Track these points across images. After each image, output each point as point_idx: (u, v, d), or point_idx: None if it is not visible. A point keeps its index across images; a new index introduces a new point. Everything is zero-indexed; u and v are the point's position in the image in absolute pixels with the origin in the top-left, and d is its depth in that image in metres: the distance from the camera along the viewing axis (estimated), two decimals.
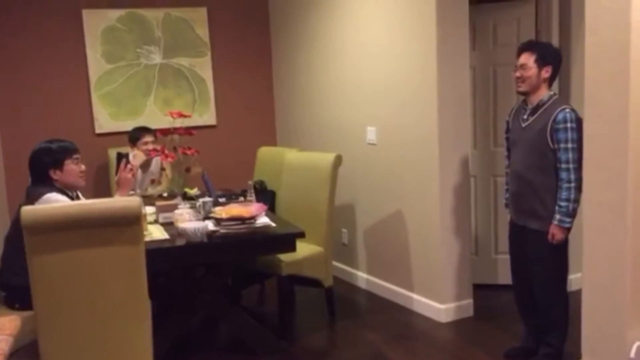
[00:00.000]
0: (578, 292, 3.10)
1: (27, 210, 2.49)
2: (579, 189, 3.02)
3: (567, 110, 3.03)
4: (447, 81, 3.85)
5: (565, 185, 3.03)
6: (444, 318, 4.01)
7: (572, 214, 3.05)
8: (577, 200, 3.04)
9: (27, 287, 2.54)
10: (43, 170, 3.14)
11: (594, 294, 2.86)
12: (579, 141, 2.99)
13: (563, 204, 3.04)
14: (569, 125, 3.00)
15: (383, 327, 3.98)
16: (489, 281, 4.48)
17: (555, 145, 3.04)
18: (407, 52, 4.04)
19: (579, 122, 3.00)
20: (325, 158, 4.04)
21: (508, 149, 3.40)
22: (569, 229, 3.09)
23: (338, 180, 4.01)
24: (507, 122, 3.39)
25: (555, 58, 3.19)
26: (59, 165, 3.15)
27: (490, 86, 4.39)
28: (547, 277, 3.20)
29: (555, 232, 3.07)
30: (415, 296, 4.22)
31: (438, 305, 4.04)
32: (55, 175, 3.15)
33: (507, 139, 3.39)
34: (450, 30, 3.82)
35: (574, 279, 4.19)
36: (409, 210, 4.20)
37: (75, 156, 3.21)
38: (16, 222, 2.79)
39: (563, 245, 3.14)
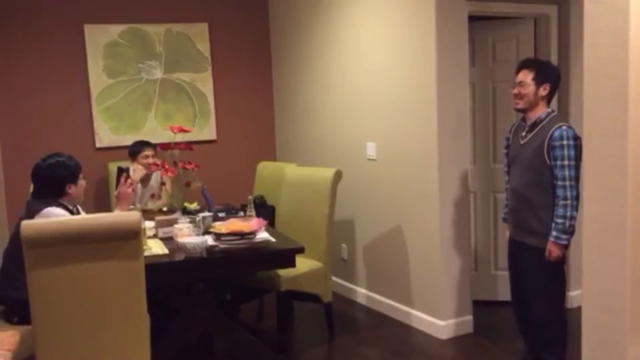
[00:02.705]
0: (579, 309, 3.09)
1: (27, 224, 2.49)
2: (575, 206, 3.02)
3: (564, 127, 3.05)
4: (447, 97, 3.87)
5: (562, 202, 3.03)
6: (444, 334, 3.99)
7: (569, 231, 3.05)
8: (573, 217, 3.04)
9: (26, 301, 2.54)
10: (59, 185, 3.11)
11: (594, 312, 2.85)
12: (576, 159, 3.01)
13: (559, 220, 3.04)
14: (565, 142, 3.01)
15: (382, 343, 3.96)
16: (489, 297, 4.46)
17: (552, 163, 3.05)
18: (407, 68, 4.06)
19: (576, 139, 3.02)
20: (324, 173, 4.05)
21: (508, 165, 3.40)
22: (566, 246, 3.09)
23: (338, 195, 4.01)
24: (507, 139, 3.40)
25: (553, 76, 3.20)
26: (75, 179, 3.15)
27: (490, 102, 4.41)
28: (544, 294, 3.19)
29: (552, 249, 3.07)
30: (414, 312, 4.20)
31: (438, 321, 4.02)
32: (70, 189, 3.14)
33: (507, 154, 3.40)
34: (450, 46, 3.84)
35: (575, 296, 4.18)
36: (409, 225, 4.20)
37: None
38: (16, 236, 2.78)
39: (559, 262, 3.13)
